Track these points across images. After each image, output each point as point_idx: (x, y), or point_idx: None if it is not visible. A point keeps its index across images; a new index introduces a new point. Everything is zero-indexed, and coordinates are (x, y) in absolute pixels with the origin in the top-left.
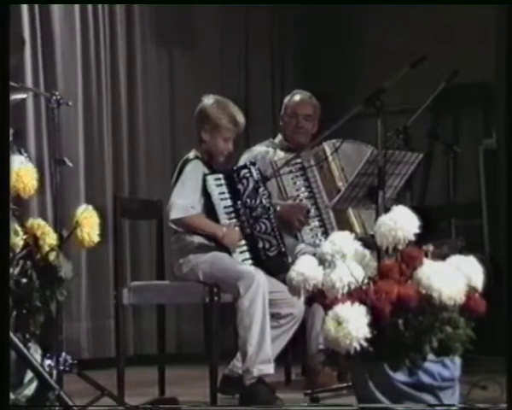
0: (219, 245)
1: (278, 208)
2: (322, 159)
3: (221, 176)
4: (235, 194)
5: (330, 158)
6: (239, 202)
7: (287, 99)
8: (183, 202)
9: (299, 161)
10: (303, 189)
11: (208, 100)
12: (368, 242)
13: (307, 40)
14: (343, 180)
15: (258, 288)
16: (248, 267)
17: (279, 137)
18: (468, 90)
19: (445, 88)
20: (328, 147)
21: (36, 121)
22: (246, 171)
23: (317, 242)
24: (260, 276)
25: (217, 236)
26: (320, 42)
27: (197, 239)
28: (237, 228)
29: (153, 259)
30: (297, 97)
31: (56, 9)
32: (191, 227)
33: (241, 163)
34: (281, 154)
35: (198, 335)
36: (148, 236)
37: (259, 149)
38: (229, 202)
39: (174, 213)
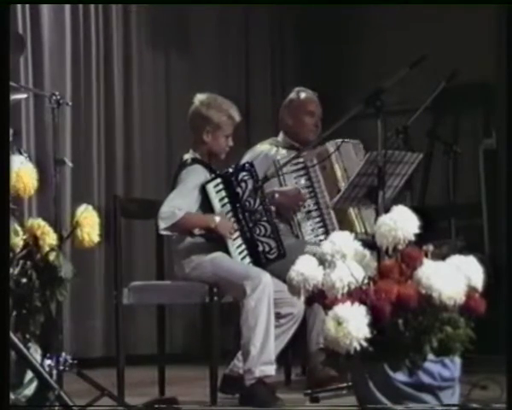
0: (214, 238)
1: (277, 196)
2: (324, 158)
3: (219, 180)
4: (234, 197)
5: (334, 159)
6: (238, 206)
7: (294, 96)
8: (168, 208)
9: (301, 160)
10: (305, 188)
11: (202, 102)
12: (369, 243)
13: (307, 40)
14: (346, 181)
15: (265, 289)
16: (255, 268)
17: (281, 136)
18: (468, 90)
19: (445, 88)
20: (331, 147)
21: (27, 121)
22: (244, 173)
23: (318, 241)
24: (267, 277)
25: (210, 227)
26: (320, 42)
27: (199, 239)
28: (231, 218)
29: (148, 259)
30: (309, 96)
31: (46, 11)
32: (183, 228)
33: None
34: (283, 152)
35: (197, 335)
36: (142, 235)
37: (262, 147)
38: (228, 207)
39: (161, 224)
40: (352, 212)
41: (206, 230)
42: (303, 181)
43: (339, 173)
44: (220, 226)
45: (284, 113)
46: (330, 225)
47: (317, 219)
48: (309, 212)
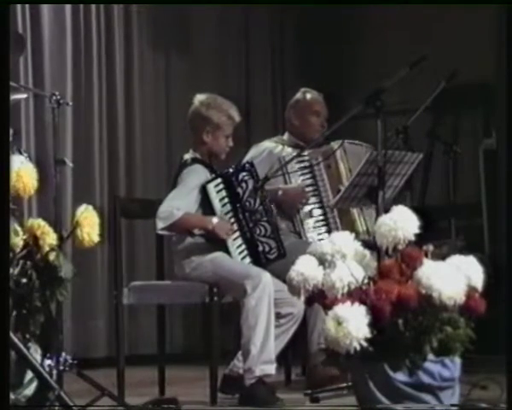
0: (213, 239)
1: (280, 193)
2: (329, 155)
3: (220, 180)
4: (234, 198)
5: (339, 158)
6: (238, 206)
7: (300, 97)
8: (167, 208)
9: (306, 158)
10: (309, 186)
11: (201, 102)
12: (370, 243)
13: (307, 40)
14: None
15: (265, 288)
16: (255, 267)
17: (287, 135)
18: (468, 90)
19: (445, 88)
20: (337, 146)
21: (27, 121)
22: (245, 173)
23: (321, 239)
24: (267, 277)
25: (207, 228)
26: (320, 42)
27: (200, 239)
28: (232, 219)
29: (149, 259)
30: (315, 96)
31: (46, 11)
32: (181, 228)
33: (247, 159)
34: (289, 150)
35: (197, 335)
36: (143, 235)
37: (267, 144)
38: (229, 207)
39: (159, 224)
40: (355, 211)
41: (206, 233)
42: (307, 179)
43: (343, 173)
44: (217, 228)
45: (290, 113)
46: (333, 224)
47: (320, 218)
48: (312, 210)
